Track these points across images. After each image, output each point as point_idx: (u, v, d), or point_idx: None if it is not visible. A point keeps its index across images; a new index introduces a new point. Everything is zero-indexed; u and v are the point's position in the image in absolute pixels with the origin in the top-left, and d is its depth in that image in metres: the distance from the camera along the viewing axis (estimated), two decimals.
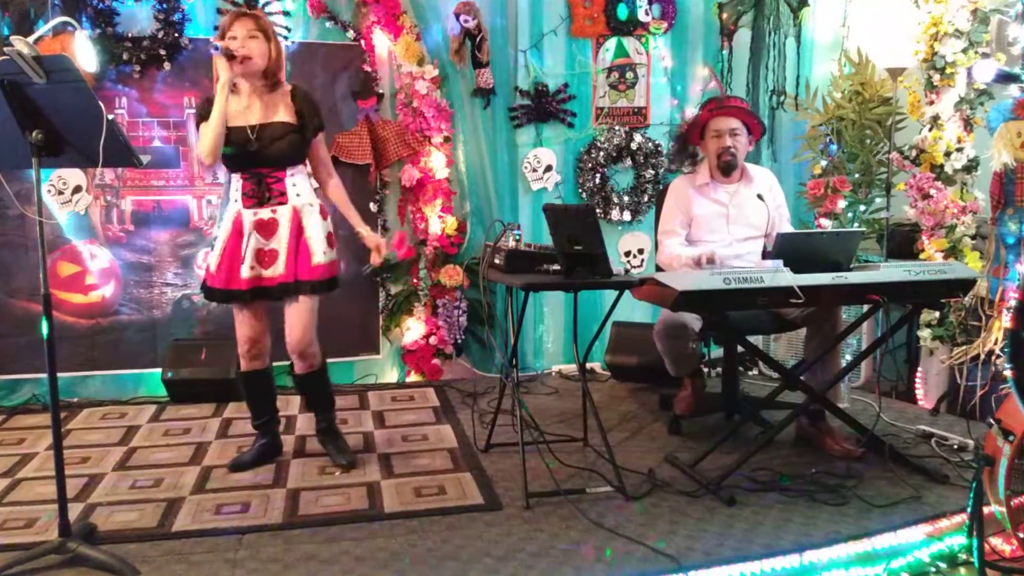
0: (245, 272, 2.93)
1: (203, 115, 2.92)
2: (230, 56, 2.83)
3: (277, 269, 2.95)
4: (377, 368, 4.55)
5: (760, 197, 3.35)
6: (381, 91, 4.40)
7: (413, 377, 4.50)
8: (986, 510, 2.35)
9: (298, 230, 2.95)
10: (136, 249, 4.22)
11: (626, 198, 4.71)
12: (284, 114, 2.96)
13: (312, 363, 3.06)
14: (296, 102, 2.98)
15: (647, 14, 4.61)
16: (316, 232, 2.98)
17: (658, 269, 3.64)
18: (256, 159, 2.92)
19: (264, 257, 2.95)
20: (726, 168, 3.43)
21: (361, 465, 3.16)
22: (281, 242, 2.94)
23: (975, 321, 3.70)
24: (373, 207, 4.37)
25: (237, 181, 2.98)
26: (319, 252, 2.97)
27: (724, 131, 3.39)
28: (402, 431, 3.60)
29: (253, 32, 2.89)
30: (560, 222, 2.88)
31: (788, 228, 3.59)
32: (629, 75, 4.68)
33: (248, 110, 2.92)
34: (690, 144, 3.56)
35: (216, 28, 4.15)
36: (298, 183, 2.98)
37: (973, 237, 3.83)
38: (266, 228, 2.94)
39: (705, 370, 3.87)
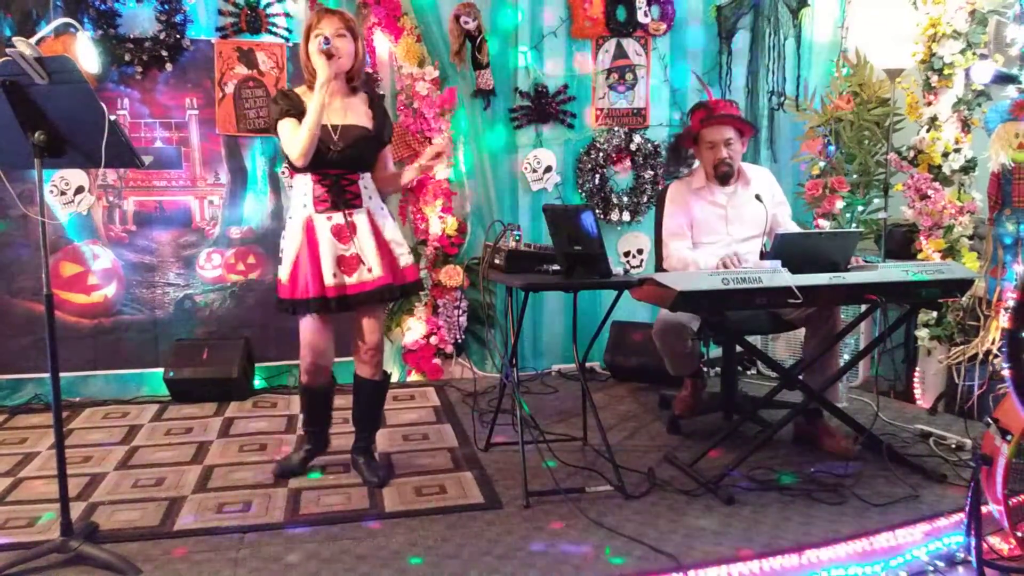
0: (329, 280, 2.79)
1: (285, 111, 2.77)
2: (329, 55, 2.70)
3: (368, 274, 2.82)
4: None
5: (758, 197, 3.36)
6: (382, 92, 4.41)
7: (414, 377, 4.52)
8: (984, 509, 2.36)
9: (378, 232, 2.86)
10: (138, 249, 4.23)
11: (625, 199, 4.72)
12: (364, 118, 2.87)
13: (378, 371, 2.98)
14: (374, 108, 2.91)
15: (646, 16, 4.63)
16: (396, 235, 2.92)
17: (659, 270, 3.65)
18: (334, 160, 2.79)
19: (344, 263, 2.82)
20: (723, 178, 3.43)
21: None
22: (363, 247, 2.82)
23: (973, 321, 3.71)
24: None
25: (307, 184, 2.81)
26: (403, 255, 2.92)
27: (719, 142, 3.37)
28: (403, 430, 3.62)
29: (341, 31, 2.76)
30: (560, 222, 2.89)
31: (792, 224, 3.59)
32: (628, 76, 4.69)
33: (328, 109, 2.76)
34: (684, 148, 3.56)
35: (217, 29, 4.19)
36: (369, 186, 2.89)
37: (971, 237, 3.84)
38: (343, 233, 2.81)
39: (704, 370, 3.88)
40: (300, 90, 2.86)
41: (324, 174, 2.80)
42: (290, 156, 2.77)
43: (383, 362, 3.00)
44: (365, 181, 2.88)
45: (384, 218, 2.91)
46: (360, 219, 2.84)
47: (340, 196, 2.81)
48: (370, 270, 2.82)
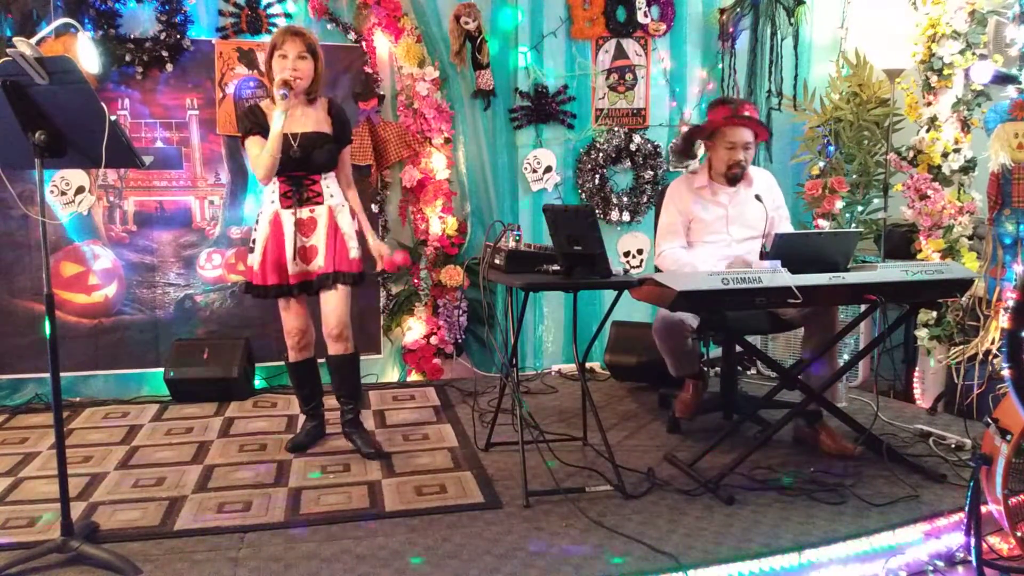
0: (292, 268, 3.16)
1: (249, 129, 3.11)
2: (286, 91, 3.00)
3: (318, 263, 3.17)
4: (378, 367, 4.57)
5: (758, 198, 3.36)
6: (382, 92, 4.42)
7: (414, 376, 4.52)
8: (984, 509, 2.37)
9: (334, 227, 3.19)
10: (139, 249, 4.24)
11: (625, 199, 4.73)
12: (322, 125, 3.17)
13: (347, 346, 3.24)
14: (332, 115, 3.21)
15: (646, 16, 4.64)
16: (349, 229, 3.23)
17: (658, 270, 3.65)
18: (296, 165, 3.11)
19: (306, 253, 3.18)
20: (734, 179, 3.43)
21: (362, 464, 3.18)
22: (320, 239, 3.17)
23: (973, 321, 3.71)
24: (374, 208, 4.39)
25: (274, 183, 3.16)
26: (353, 248, 3.22)
27: (739, 144, 3.36)
28: (403, 430, 3.62)
29: (303, 53, 3.07)
30: (559, 222, 2.89)
31: (788, 228, 3.59)
32: (628, 77, 4.70)
33: (289, 119, 3.06)
34: (696, 140, 3.54)
35: (218, 30, 4.19)
36: (331, 185, 3.22)
37: (970, 238, 3.85)
38: (306, 226, 3.17)
39: (705, 370, 3.88)
40: (265, 104, 3.17)
41: (288, 176, 3.14)
42: (255, 175, 3.19)
43: (350, 339, 3.24)
44: (327, 181, 3.21)
45: (342, 214, 3.22)
46: (320, 215, 3.17)
47: (302, 194, 3.16)
48: (321, 260, 3.16)
